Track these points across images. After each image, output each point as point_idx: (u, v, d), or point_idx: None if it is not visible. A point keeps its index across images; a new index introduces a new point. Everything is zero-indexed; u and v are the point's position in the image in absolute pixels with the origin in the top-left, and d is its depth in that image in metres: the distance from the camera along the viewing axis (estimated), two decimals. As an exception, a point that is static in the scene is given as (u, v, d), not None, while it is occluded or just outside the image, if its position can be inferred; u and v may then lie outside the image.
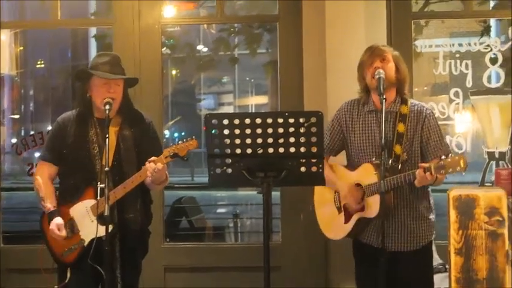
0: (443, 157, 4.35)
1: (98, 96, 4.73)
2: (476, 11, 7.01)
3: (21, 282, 6.43)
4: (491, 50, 6.66)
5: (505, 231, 4.07)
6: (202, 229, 10.77)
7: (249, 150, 4.22)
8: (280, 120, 4.20)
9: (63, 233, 4.73)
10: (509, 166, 6.45)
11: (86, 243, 4.71)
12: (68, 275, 4.78)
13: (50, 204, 4.79)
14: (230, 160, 4.26)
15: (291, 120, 4.19)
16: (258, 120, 4.20)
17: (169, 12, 7.09)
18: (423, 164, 4.42)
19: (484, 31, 7.52)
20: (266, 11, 10.04)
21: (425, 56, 7.06)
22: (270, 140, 4.20)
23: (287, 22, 6.63)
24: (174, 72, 21.91)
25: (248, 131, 4.20)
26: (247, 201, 13.13)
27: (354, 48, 6.12)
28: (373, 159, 4.70)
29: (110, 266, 4.57)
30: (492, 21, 7.74)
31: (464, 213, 4.08)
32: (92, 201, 4.70)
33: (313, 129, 4.18)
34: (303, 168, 4.25)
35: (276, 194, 6.81)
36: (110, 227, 4.46)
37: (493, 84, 6.69)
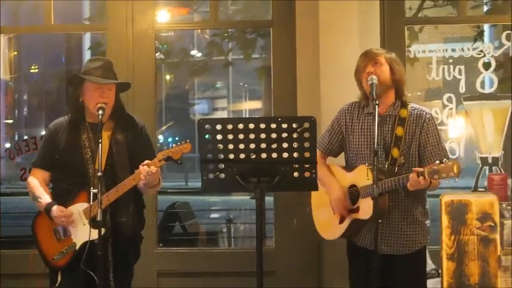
0: (437, 162, 4.35)
1: (90, 101, 4.73)
2: (469, 17, 7.03)
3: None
4: (484, 55, 6.67)
5: (497, 236, 4.08)
6: (195, 234, 10.75)
7: (242, 156, 4.22)
8: (273, 126, 4.20)
9: (68, 211, 4.72)
10: (502, 171, 6.46)
11: (77, 247, 4.71)
12: (59, 278, 4.78)
13: (46, 197, 4.80)
14: (223, 165, 4.26)
15: (284, 126, 4.20)
16: (251, 126, 4.21)
17: (162, 17, 7.10)
18: (417, 169, 4.42)
19: (477, 36, 7.54)
20: (260, 17, 10.05)
21: (419, 62, 7.07)
22: (263, 145, 4.20)
23: (280, 27, 6.63)
24: (168, 77, 21.90)
25: (241, 136, 4.21)
26: (241, 207, 13.13)
27: (348, 54, 6.13)
28: (366, 164, 4.71)
29: (103, 271, 4.57)
30: (486, 27, 7.76)
31: (457, 218, 4.08)
32: (85, 205, 4.70)
33: (306, 135, 4.19)
34: (296, 174, 4.26)
35: (269, 199, 6.82)
36: (103, 231, 4.46)
37: (486, 90, 6.70)
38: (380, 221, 4.57)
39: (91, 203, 4.59)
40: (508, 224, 4.14)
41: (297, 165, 4.24)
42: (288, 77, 6.56)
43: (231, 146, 4.21)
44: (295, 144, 4.20)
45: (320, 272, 6.40)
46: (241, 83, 26.16)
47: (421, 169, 4.40)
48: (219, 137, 4.21)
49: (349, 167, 4.91)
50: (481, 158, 6.64)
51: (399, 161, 4.68)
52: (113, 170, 4.76)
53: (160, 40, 11.66)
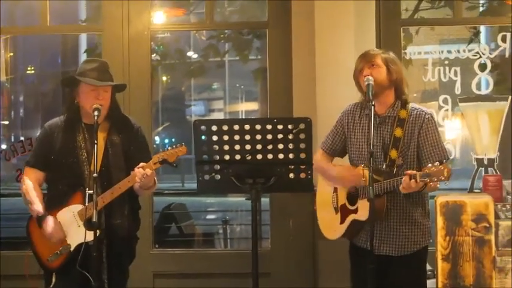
0: (429, 165, 4.34)
1: (86, 103, 4.72)
2: (465, 18, 7.03)
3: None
4: (480, 57, 6.67)
5: (492, 237, 4.09)
6: (191, 235, 10.76)
7: (237, 157, 4.23)
8: (269, 127, 4.21)
9: (62, 234, 4.72)
10: (498, 173, 6.46)
11: (72, 248, 4.70)
12: (53, 279, 4.77)
13: (38, 207, 4.79)
14: (219, 166, 4.27)
15: (280, 127, 4.21)
16: (247, 127, 4.21)
17: (158, 18, 7.10)
18: (410, 172, 4.41)
19: (473, 37, 7.54)
20: (256, 18, 10.05)
21: (415, 63, 7.07)
22: (259, 147, 4.21)
23: (276, 28, 6.64)
24: (164, 78, 21.88)
25: (237, 137, 4.22)
26: (237, 208, 13.11)
27: (343, 56, 6.15)
28: (363, 166, 4.71)
29: (98, 272, 4.56)
30: (482, 28, 7.76)
31: (452, 219, 4.09)
32: (79, 206, 4.69)
33: (302, 136, 4.20)
34: (291, 175, 4.27)
35: (265, 201, 6.83)
36: (98, 232, 4.46)
37: (482, 91, 6.70)
38: (377, 221, 4.58)
39: (86, 204, 4.58)
40: (503, 225, 4.15)
41: (292, 166, 4.25)
42: (283, 78, 6.56)
43: (226, 147, 4.22)
44: (290, 146, 4.21)
45: (316, 273, 6.39)
46: (237, 85, 26.15)
47: (414, 172, 4.39)
48: (214, 138, 4.22)
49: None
50: (477, 160, 6.64)
51: (397, 162, 4.67)
52: (109, 172, 4.76)
53: (157, 41, 11.65)
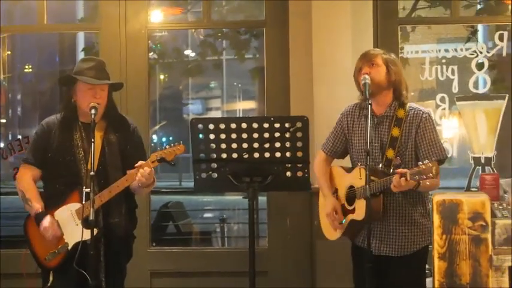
0: (419, 163, 4.35)
1: (83, 102, 4.72)
2: (462, 17, 7.04)
3: (6, 288, 6.42)
4: (477, 55, 6.68)
5: (489, 236, 4.09)
6: (188, 234, 10.76)
7: (234, 155, 4.24)
8: (266, 125, 4.21)
9: (59, 231, 4.72)
10: (495, 171, 6.46)
11: (69, 247, 4.70)
12: (50, 278, 4.77)
13: (37, 205, 4.78)
14: (216, 165, 4.28)
15: (277, 125, 4.21)
16: (244, 125, 4.22)
17: (156, 17, 7.10)
18: (400, 170, 4.41)
19: (470, 36, 7.54)
20: (253, 17, 10.05)
21: (412, 62, 7.08)
22: (256, 145, 4.21)
23: (273, 27, 6.63)
24: (162, 77, 21.89)
25: (234, 136, 4.22)
26: (234, 206, 13.13)
27: (341, 54, 6.16)
28: (359, 164, 4.71)
29: (95, 271, 4.56)
30: (479, 27, 7.77)
31: (448, 218, 4.09)
32: (77, 205, 4.68)
33: (299, 134, 4.20)
34: (288, 173, 4.27)
35: (262, 199, 6.84)
36: (95, 231, 4.46)
37: (480, 90, 6.71)
38: (376, 222, 4.58)
39: (83, 202, 4.58)
40: (500, 223, 4.15)
41: (289, 165, 4.25)
42: (281, 76, 6.56)
43: (223, 146, 4.22)
44: (287, 144, 4.21)
45: (313, 272, 6.40)
46: (235, 83, 26.16)
47: (404, 170, 4.39)
48: (211, 136, 4.22)
49: (351, 168, 4.92)
50: (474, 158, 6.65)
51: (394, 162, 4.67)
52: (105, 170, 4.75)
53: (154, 40, 11.66)
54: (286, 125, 4.20)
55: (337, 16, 6.28)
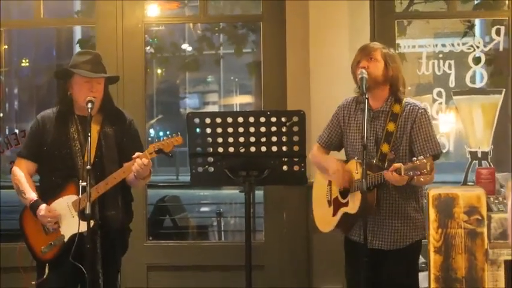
0: (413, 159, 4.36)
1: (79, 95, 4.72)
2: (460, 12, 7.04)
3: (1, 281, 6.40)
4: (474, 50, 6.68)
5: (484, 230, 4.09)
6: (185, 228, 10.77)
7: (231, 149, 4.24)
8: (263, 119, 4.22)
9: (56, 212, 4.72)
10: (492, 166, 6.47)
11: (65, 239, 4.70)
12: (46, 271, 4.77)
13: (30, 195, 4.78)
14: (212, 159, 4.28)
15: (273, 119, 4.22)
16: (240, 119, 4.22)
17: (152, 11, 7.08)
18: (396, 165, 4.42)
19: (467, 30, 7.54)
20: (250, 11, 10.03)
21: (409, 56, 7.08)
22: (252, 139, 4.22)
23: (270, 22, 6.63)
24: (159, 71, 21.86)
25: (230, 130, 4.22)
26: (231, 200, 13.12)
27: (338, 48, 6.16)
28: (356, 158, 4.72)
29: (92, 263, 4.56)
30: (476, 22, 7.77)
31: (444, 212, 4.09)
32: (73, 197, 4.69)
33: (295, 129, 4.21)
34: (285, 167, 4.28)
35: (259, 193, 6.84)
36: (92, 223, 4.46)
37: (476, 85, 6.71)
38: (370, 216, 4.59)
39: (80, 195, 4.58)
40: (495, 217, 4.16)
41: (286, 159, 4.26)
42: (278, 71, 6.56)
43: (220, 140, 4.23)
44: (284, 138, 4.22)
45: (309, 266, 6.40)
46: (232, 78, 26.15)
47: (398, 165, 4.39)
48: (208, 130, 4.23)
49: (346, 161, 4.92)
50: (471, 153, 6.65)
51: (389, 157, 4.68)
52: (102, 163, 4.76)
53: (151, 34, 11.64)
54: (283, 119, 4.20)
55: (334, 10, 6.28)
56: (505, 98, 6.59)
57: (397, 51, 6.44)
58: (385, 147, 4.69)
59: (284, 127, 4.20)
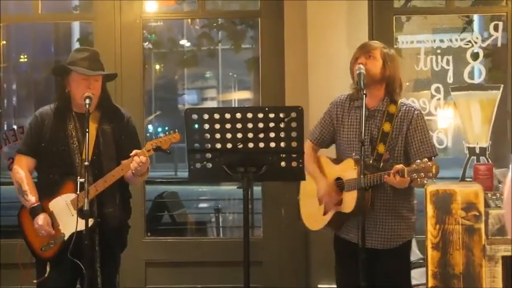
0: (417, 161, 4.35)
1: (77, 92, 4.72)
2: (458, 7, 7.03)
3: (2, 278, 6.40)
4: (472, 45, 6.68)
5: (482, 226, 4.10)
6: (184, 224, 10.78)
7: (229, 145, 4.23)
8: (261, 115, 4.21)
9: (52, 230, 4.72)
10: (490, 161, 6.48)
11: (66, 237, 4.70)
12: (48, 269, 4.76)
13: (33, 198, 4.78)
14: (210, 155, 4.27)
15: (271, 115, 4.21)
16: (238, 115, 4.21)
17: (150, 7, 7.07)
18: (398, 166, 4.41)
19: (466, 25, 7.54)
20: (248, 7, 10.02)
21: (407, 52, 7.08)
22: (251, 135, 4.21)
23: (268, 17, 6.63)
24: (157, 67, 21.85)
25: (228, 126, 4.22)
26: (229, 196, 13.13)
27: (336, 44, 6.16)
28: (353, 154, 4.71)
29: (90, 261, 4.57)
30: (474, 17, 7.76)
31: (441, 208, 4.10)
32: (72, 195, 4.68)
33: (294, 124, 4.20)
34: (283, 163, 4.27)
35: (258, 189, 6.84)
36: (91, 221, 4.46)
37: (475, 80, 6.71)
38: (363, 215, 4.59)
39: (78, 193, 4.58)
40: (493, 213, 4.16)
41: (284, 155, 4.25)
42: (276, 67, 6.56)
43: (218, 136, 4.22)
44: (282, 134, 4.21)
45: (308, 261, 6.41)
46: (230, 73, 26.13)
47: (401, 167, 4.39)
48: (206, 126, 4.22)
49: (338, 159, 4.92)
50: (469, 148, 6.65)
51: (384, 157, 4.68)
52: (100, 160, 4.76)
53: (149, 30, 11.63)
54: (281, 115, 4.19)
55: (332, 5, 6.28)
56: (503, 93, 6.59)
57: (395, 47, 6.46)
58: (381, 148, 4.69)
59: (282, 123, 4.19)
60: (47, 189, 4.78)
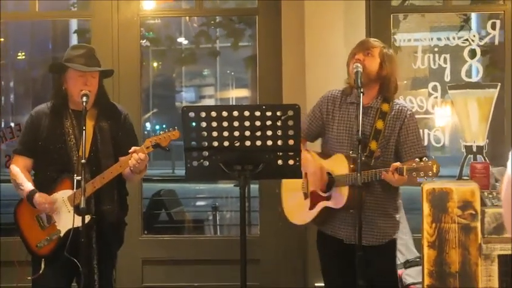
0: (417, 160, 4.34)
1: (74, 89, 4.71)
2: (455, 6, 7.04)
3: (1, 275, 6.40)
4: (470, 44, 6.68)
5: (478, 224, 4.11)
6: (181, 222, 10.77)
7: (226, 143, 4.23)
8: (258, 113, 4.20)
9: (52, 199, 4.71)
10: (487, 160, 6.48)
11: (62, 234, 4.70)
12: (42, 266, 4.76)
13: (28, 184, 4.77)
14: (207, 153, 4.27)
15: (268, 113, 4.20)
16: (235, 113, 4.21)
17: (148, 4, 7.07)
18: (396, 164, 4.41)
19: (463, 24, 7.54)
20: (246, 5, 10.04)
21: (405, 50, 7.07)
22: (247, 133, 4.20)
23: (266, 15, 6.63)
24: (155, 64, 21.84)
25: (225, 124, 4.21)
26: (227, 194, 13.13)
27: (333, 42, 6.16)
28: (350, 152, 4.69)
29: (87, 258, 4.56)
30: (472, 16, 7.76)
31: (438, 206, 4.10)
32: (69, 192, 4.68)
33: (290, 123, 4.19)
34: (280, 161, 4.26)
35: (255, 187, 6.84)
36: (88, 218, 4.46)
37: (472, 79, 6.71)
38: (351, 211, 4.58)
39: (75, 190, 4.57)
40: (489, 212, 4.17)
41: (281, 153, 4.24)
42: (273, 65, 6.56)
43: (215, 134, 4.21)
44: (279, 132, 4.20)
45: (305, 259, 6.41)
46: (228, 71, 26.12)
47: (399, 164, 4.38)
48: (203, 124, 4.21)
49: (325, 154, 4.89)
50: (466, 147, 6.66)
51: (376, 154, 4.67)
52: (97, 158, 4.76)
53: (147, 27, 11.63)
54: (278, 113, 4.19)
55: (329, 3, 6.28)
56: (500, 92, 6.59)
57: (392, 45, 6.47)
58: (373, 145, 4.68)
59: (279, 121, 4.19)
60: (44, 186, 4.77)
